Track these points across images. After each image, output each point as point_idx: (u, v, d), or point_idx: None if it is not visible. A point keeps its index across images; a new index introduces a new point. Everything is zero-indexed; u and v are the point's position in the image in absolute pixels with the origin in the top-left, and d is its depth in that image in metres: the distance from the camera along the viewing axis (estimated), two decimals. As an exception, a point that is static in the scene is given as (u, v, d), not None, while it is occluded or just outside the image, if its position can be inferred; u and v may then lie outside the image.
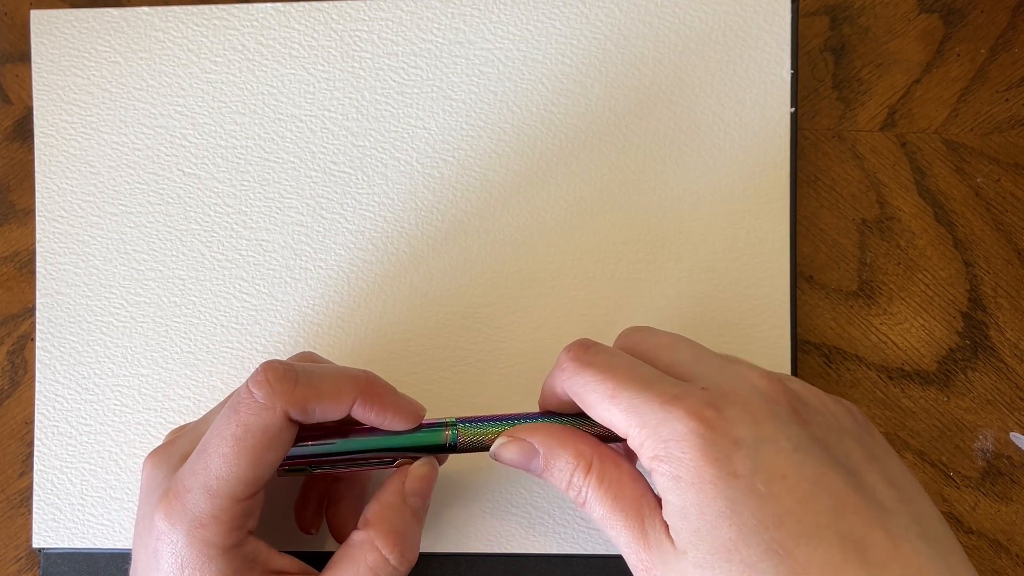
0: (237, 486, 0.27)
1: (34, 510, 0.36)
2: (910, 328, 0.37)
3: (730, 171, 0.36)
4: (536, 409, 0.31)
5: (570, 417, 0.29)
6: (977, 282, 0.37)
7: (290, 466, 0.30)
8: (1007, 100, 0.38)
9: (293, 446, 0.29)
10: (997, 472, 0.36)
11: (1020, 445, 0.36)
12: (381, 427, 0.29)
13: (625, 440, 0.26)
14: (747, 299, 0.35)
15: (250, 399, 0.27)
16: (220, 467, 0.27)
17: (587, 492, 0.26)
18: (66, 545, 0.35)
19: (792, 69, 0.36)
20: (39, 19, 0.37)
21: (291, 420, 0.27)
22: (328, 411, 0.28)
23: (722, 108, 0.36)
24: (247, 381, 0.28)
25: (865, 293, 0.37)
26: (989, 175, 0.37)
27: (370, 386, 0.29)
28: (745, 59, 0.36)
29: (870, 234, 0.37)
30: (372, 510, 0.29)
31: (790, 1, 0.36)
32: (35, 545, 0.36)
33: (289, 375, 0.27)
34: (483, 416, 0.30)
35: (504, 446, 0.28)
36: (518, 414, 0.30)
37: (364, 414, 0.29)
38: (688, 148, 0.36)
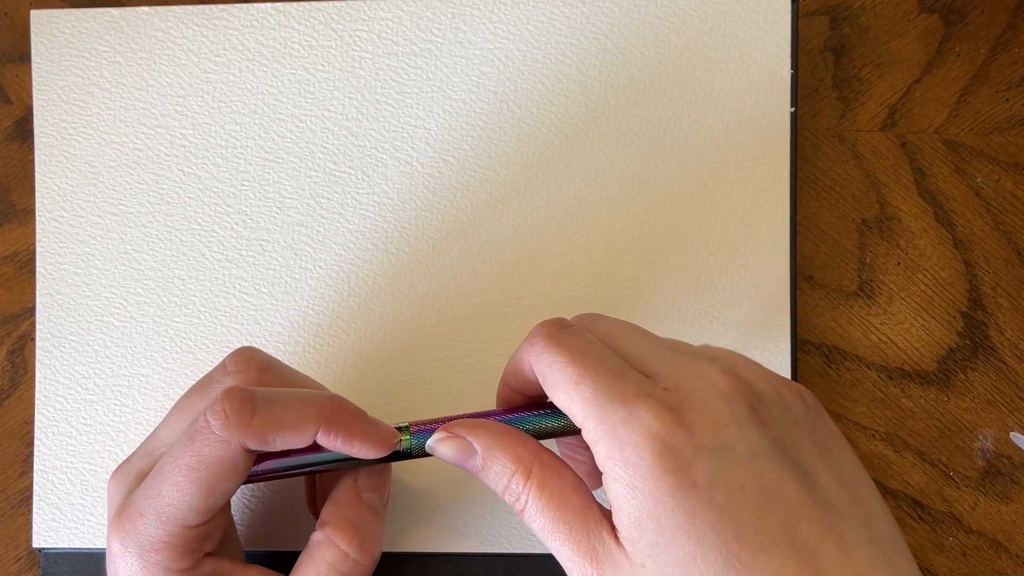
0: (188, 514, 0.26)
1: (34, 510, 0.36)
2: (910, 328, 0.37)
3: (730, 171, 0.36)
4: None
5: (522, 415, 0.28)
6: (977, 282, 0.37)
7: None
8: (1007, 100, 0.38)
9: None
10: (997, 472, 0.36)
11: (1020, 445, 0.36)
12: (348, 454, 0.28)
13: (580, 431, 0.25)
14: (747, 299, 0.35)
15: (207, 429, 0.26)
16: (172, 495, 0.26)
17: (526, 500, 0.25)
18: (66, 545, 0.35)
19: (792, 69, 0.36)
20: (39, 19, 0.37)
21: (249, 451, 0.27)
22: (289, 441, 0.27)
23: (722, 108, 0.36)
24: (207, 408, 0.27)
25: (865, 293, 0.37)
26: (989, 175, 0.37)
27: (335, 414, 0.28)
28: (745, 59, 0.36)
29: (870, 234, 0.37)
30: (327, 510, 0.29)
31: (790, 1, 0.36)
32: (35, 545, 0.36)
33: (247, 407, 0.26)
34: (437, 420, 0.28)
35: (441, 441, 0.27)
36: (473, 415, 0.28)
37: (329, 442, 0.28)
38: (688, 148, 0.36)
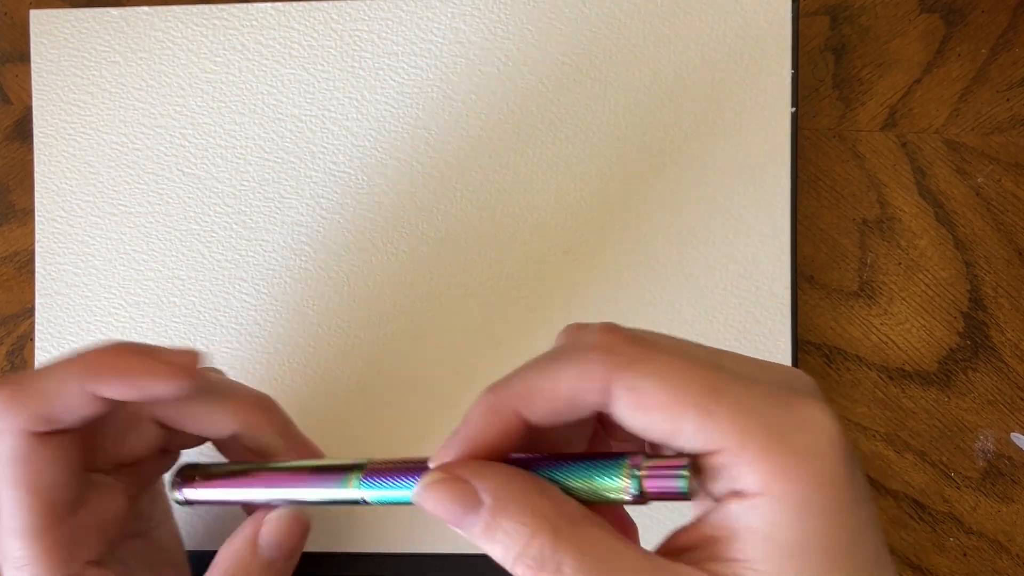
0: (31, 519, 0.24)
1: (34, 510, 0.36)
2: (911, 328, 0.37)
3: (730, 171, 0.36)
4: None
5: (564, 465, 0.21)
6: (978, 282, 0.37)
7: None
8: (1008, 100, 0.38)
9: (186, 486, 0.26)
10: (998, 472, 0.36)
11: (1021, 445, 0.36)
12: (141, 400, 0.24)
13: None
14: (747, 299, 0.35)
15: None
16: (5, 505, 0.24)
17: (557, 568, 0.19)
18: (66, 545, 0.35)
19: (792, 69, 0.36)
20: (39, 19, 0.37)
21: (39, 434, 0.24)
22: (71, 407, 0.24)
23: (722, 108, 0.36)
24: None
25: (865, 293, 0.37)
26: (990, 175, 0.37)
27: (101, 358, 0.24)
28: (745, 59, 0.36)
29: (870, 234, 0.37)
30: (219, 555, 0.26)
31: (790, 1, 0.36)
32: (35, 545, 0.35)
33: (2, 392, 0.24)
34: (401, 461, 0.22)
35: (436, 486, 0.20)
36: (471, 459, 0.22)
37: (112, 391, 0.23)
38: (688, 148, 0.36)
